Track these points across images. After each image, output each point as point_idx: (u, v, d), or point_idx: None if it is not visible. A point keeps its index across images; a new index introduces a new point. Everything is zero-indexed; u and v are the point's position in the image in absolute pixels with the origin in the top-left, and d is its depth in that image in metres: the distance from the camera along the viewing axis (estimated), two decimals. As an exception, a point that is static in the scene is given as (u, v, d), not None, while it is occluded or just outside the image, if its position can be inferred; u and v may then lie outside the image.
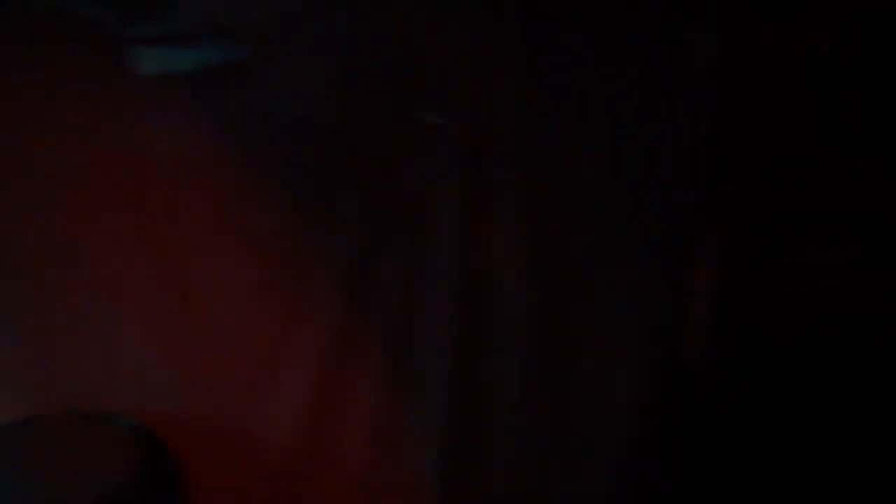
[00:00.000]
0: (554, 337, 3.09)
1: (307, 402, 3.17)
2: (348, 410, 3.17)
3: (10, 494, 2.71)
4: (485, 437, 3.11)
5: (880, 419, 3.02)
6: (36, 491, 2.72)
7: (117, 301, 3.14)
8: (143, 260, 3.14)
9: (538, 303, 3.08)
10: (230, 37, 3.12)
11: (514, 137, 3.07)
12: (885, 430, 3.01)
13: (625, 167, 3.06)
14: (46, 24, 3.12)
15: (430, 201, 3.09)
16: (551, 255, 3.08)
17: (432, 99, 3.07)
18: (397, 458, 3.16)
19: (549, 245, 3.08)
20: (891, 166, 3.03)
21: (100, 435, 2.89)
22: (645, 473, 3.11)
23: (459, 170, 3.08)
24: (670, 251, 3.08)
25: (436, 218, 3.09)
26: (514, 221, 3.07)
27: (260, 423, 3.16)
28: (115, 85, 3.14)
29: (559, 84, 3.06)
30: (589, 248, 3.08)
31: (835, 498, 3.01)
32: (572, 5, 3.05)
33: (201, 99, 3.12)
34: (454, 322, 3.09)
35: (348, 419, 3.17)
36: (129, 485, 2.73)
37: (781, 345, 3.04)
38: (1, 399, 3.07)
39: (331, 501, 3.22)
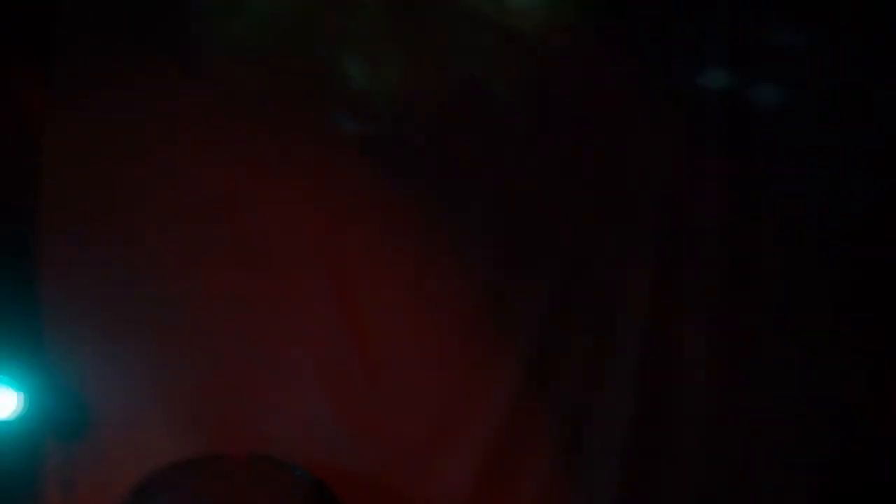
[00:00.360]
0: (736, 424, 3.08)
1: (479, 468, 3.15)
2: (520, 479, 3.16)
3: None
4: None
5: None
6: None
7: (299, 353, 3.18)
8: (328, 316, 3.18)
9: (724, 388, 3.09)
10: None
11: (712, 232, 3.13)
12: None
13: (820, 266, 3.10)
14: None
15: (621, 284, 3.13)
16: (740, 344, 3.10)
17: (633, 192, 3.16)
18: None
19: (739, 334, 3.11)
20: None
21: (278, 482, 2.89)
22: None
23: (653, 257, 3.12)
24: (865, 344, 3.11)
25: (626, 300, 3.12)
26: (705, 310, 3.10)
27: (430, 484, 3.17)
28: (308, 143, 3.23)
29: (760, 187, 3.13)
30: (780, 338, 3.11)
31: None
32: (774, 114, 3.12)
33: (400, 164, 3.22)
34: (634, 401, 3.12)
35: (519, 488, 3.18)
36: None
37: None
38: (180, 433, 3.13)
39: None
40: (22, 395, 3.11)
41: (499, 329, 3.18)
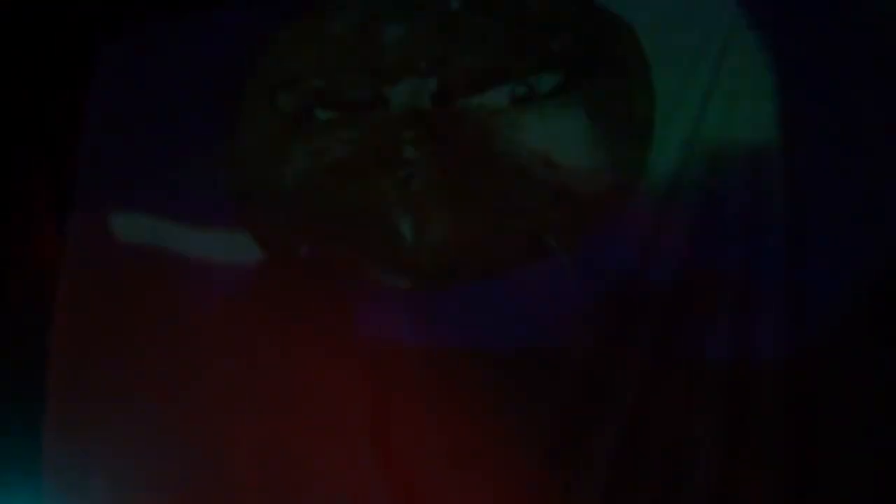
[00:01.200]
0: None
1: None
2: None
3: None
4: None
5: None
6: None
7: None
8: (369, 470, 3.08)
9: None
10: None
11: (781, 396, 3.00)
12: None
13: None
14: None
15: (686, 440, 2.98)
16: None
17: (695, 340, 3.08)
18: None
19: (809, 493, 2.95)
20: None
21: None
22: None
23: (719, 422, 2.97)
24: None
25: (692, 459, 2.97)
26: (771, 468, 2.94)
27: None
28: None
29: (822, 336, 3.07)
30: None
31: None
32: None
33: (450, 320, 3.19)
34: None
35: None
36: None
37: None
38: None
39: None
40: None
41: (556, 495, 3.03)
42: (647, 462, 2.99)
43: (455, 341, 3.13)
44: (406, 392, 3.12)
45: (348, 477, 3.07)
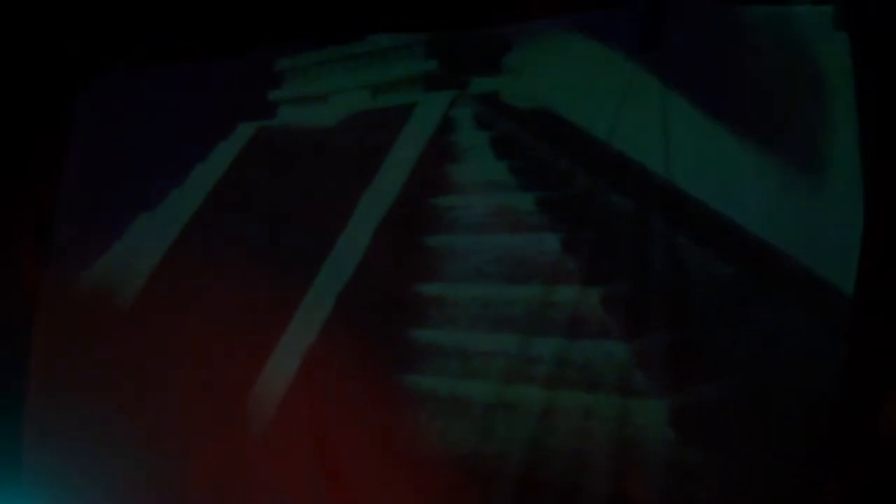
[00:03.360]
0: None
1: None
2: None
3: None
4: None
5: None
6: None
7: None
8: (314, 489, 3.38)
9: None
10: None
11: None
12: None
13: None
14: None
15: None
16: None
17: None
18: None
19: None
20: None
21: None
22: None
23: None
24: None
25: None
26: None
27: None
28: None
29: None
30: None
31: None
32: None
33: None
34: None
35: None
36: None
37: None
38: None
39: None
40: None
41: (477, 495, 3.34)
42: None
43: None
44: (338, 397, 3.43)
45: (292, 480, 3.40)
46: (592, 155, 3.34)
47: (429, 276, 3.46)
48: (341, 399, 3.39)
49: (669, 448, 3.15)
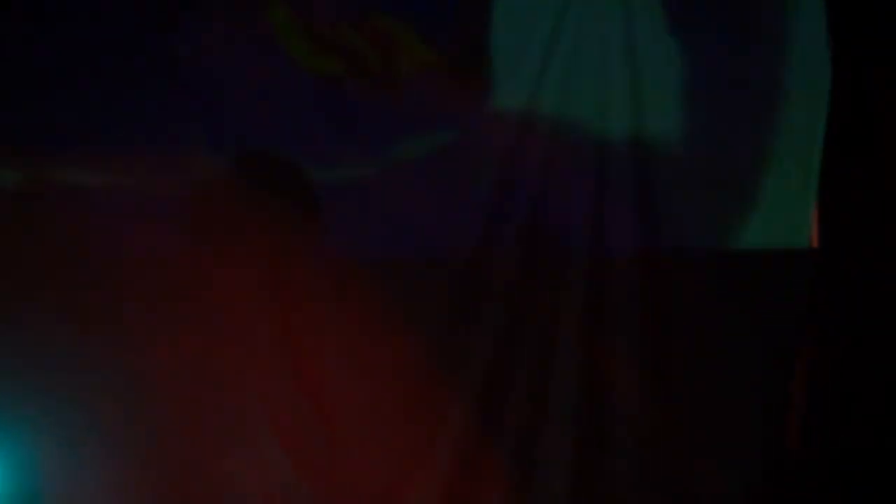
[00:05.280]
0: (666, 451, 3.33)
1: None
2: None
3: None
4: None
5: None
6: None
7: (259, 423, 3.32)
8: (282, 384, 3.35)
9: (652, 419, 3.34)
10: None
11: (634, 275, 3.38)
12: None
13: (730, 297, 3.38)
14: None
15: (555, 321, 3.37)
16: (665, 375, 3.36)
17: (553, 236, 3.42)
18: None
19: (664, 367, 3.36)
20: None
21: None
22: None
23: (583, 301, 3.37)
24: (770, 361, 3.36)
25: (559, 344, 3.37)
26: (631, 345, 3.37)
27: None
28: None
29: (668, 229, 3.40)
30: (700, 368, 3.37)
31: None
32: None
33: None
34: (576, 437, 3.34)
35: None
36: None
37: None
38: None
39: None
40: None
41: (447, 376, 3.38)
42: (522, 346, 3.39)
43: (350, 251, 3.42)
44: (306, 303, 3.39)
45: (259, 387, 3.33)
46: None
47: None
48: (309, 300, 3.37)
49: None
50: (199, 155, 3.39)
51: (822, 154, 3.29)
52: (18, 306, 3.32)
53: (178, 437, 3.29)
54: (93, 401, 3.25)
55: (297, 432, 3.33)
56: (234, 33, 3.42)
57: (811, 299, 3.30)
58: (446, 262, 3.42)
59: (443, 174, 3.43)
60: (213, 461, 3.29)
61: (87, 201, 3.39)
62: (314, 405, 3.34)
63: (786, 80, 3.41)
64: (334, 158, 3.44)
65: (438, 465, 3.35)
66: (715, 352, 3.38)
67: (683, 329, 3.39)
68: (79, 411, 3.25)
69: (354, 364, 3.36)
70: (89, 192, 3.38)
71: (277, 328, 3.36)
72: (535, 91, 3.44)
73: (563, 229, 3.41)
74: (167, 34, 3.40)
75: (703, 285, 3.39)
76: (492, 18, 3.47)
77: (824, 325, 3.27)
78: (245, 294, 3.35)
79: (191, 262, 3.34)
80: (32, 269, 3.34)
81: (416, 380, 3.37)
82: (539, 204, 3.41)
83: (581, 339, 3.37)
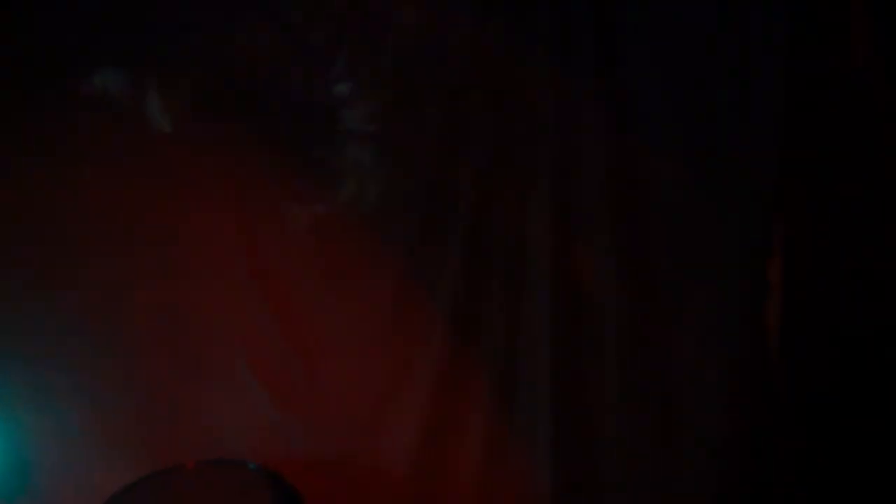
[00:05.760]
0: (647, 342, 3.32)
1: (423, 432, 3.31)
2: (460, 436, 3.32)
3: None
4: (590, 445, 3.30)
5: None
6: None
7: (238, 354, 3.32)
8: (260, 314, 3.34)
9: (631, 311, 3.32)
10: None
11: (601, 167, 3.35)
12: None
13: (703, 181, 3.36)
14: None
15: (523, 229, 3.35)
16: (641, 265, 3.33)
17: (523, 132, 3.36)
18: (509, 475, 3.33)
19: (639, 257, 3.34)
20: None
21: (232, 480, 3.03)
22: (745, 467, 3.32)
23: (551, 202, 3.34)
24: (747, 253, 3.35)
25: (530, 243, 3.34)
26: (606, 242, 3.34)
27: (377, 456, 3.32)
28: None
29: (638, 112, 3.36)
30: (676, 255, 3.35)
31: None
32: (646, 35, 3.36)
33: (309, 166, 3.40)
34: (554, 342, 3.31)
35: (460, 444, 3.32)
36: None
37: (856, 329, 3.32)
38: (124, 456, 3.22)
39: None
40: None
41: (421, 296, 3.37)
42: (492, 246, 3.37)
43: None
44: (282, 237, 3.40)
45: (235, 322, 3.34)
46: None
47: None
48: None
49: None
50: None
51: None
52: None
53: (156, 377, 3.29)
54: (70, 355, 3.27)
55: (275, 363, 3.34)
56: None
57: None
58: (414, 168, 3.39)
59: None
60: (193, 400, 3.29)
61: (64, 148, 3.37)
62: (291, 337, 3.35)
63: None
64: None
65: (417, 387, 3.35)
66: (690, 238, 3.36)
67: (659, 219, 3.36)
68: (57, 368, 3.27)
69: (331, 292, 3.36)
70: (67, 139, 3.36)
71: (254, 262, 3.35)
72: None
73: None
74: None
75: (675, 174, 3.36)
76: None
77: (798, 207, 3.29)
78: (222, 234, 3.35)
79: (168, 206, 3.33)
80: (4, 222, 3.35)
81: (391, 303, 3.36)
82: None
83: (552, 232, 3.34)
